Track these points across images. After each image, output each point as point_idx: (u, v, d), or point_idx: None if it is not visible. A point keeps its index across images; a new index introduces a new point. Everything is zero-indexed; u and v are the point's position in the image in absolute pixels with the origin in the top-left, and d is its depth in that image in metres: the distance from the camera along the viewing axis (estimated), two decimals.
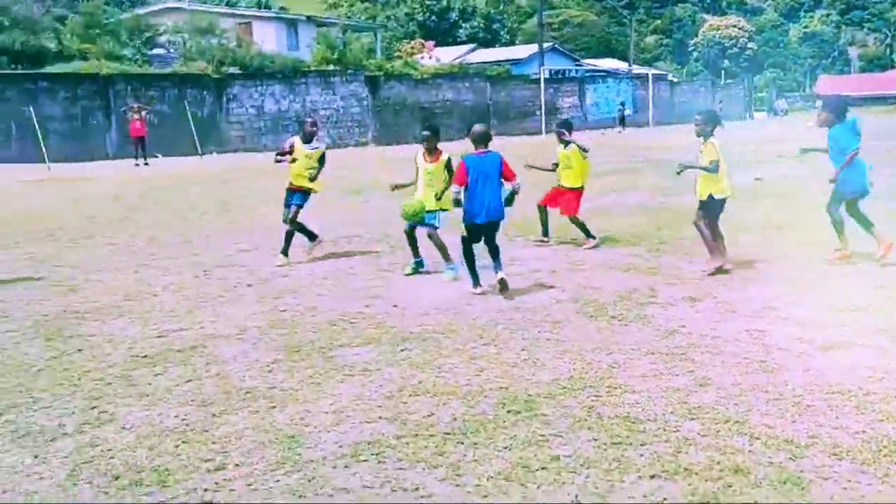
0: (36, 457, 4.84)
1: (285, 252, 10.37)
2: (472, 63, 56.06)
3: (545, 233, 11.50)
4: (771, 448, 4.63)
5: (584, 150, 11.23)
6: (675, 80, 67.75)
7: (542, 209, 11.53)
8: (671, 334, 6.94)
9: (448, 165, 9.38)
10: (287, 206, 10.59)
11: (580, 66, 66.10)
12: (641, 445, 4.72)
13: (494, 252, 8.62)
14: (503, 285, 8.41)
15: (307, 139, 10.64)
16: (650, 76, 57.92)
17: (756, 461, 4.46)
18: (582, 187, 11.37)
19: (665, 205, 15.10)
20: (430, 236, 9.38)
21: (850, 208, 9.42)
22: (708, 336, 6.85)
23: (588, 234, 11.07)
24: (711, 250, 9.24)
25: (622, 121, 49.87)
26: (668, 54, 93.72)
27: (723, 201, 9.19)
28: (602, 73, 60.83)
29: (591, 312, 7.69)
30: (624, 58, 72.27)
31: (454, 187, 8.45)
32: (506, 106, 47.99)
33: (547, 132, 45.84)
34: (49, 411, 5.57)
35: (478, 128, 8.59)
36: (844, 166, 9.20)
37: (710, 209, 9.20)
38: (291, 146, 10.59)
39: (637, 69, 66.68)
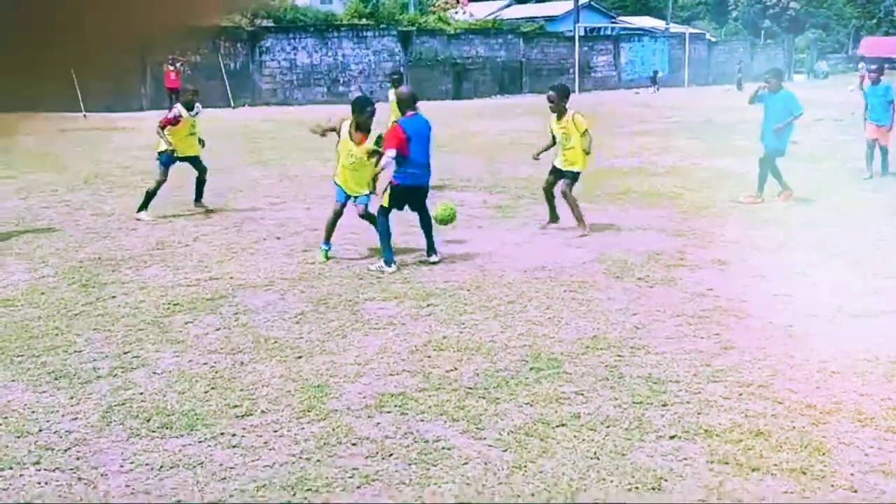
0: (72, 398, 4.99)
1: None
2: (506, 19, 55.42)
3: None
4: (793, 413, 4.66)
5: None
6: (714, 39, 66.46)
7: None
8: (698, 297, 6.95)
9: (375, 150, 8.10)
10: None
11: (616, 24, 65.11)
12: (663, 406, 4.77)
13: (428, 227, 8.21)
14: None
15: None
16: (687, 35, 56.90)
17: (778, 425, 4.49)
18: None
19: (698, 166, 14.98)
20: (361, 215, 8.31)
21: None
22: (735, 300, 6.85)
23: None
24: (581, 217, 9.43)
25: (654, 81, 49.15)
26: (707, 13, 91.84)
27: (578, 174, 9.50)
28: (638, 32, 59.89)
29: (618, 273, 7.70)
30: (662, 16, 71.06)
31: (389, 152, 7.83)
32: (539, 63, 47.45)
33: (581, 91, 45.43)
34: (84, 355, 5.72)
35: (405, 90, 8.60)
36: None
37: (574, 180, 9.49)
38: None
39: (674, 28, 65.56)
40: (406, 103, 8.30)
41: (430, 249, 8.21)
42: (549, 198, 9.65)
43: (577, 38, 48.22)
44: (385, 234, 7.97)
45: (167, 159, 10.66)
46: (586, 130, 9.29)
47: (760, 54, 66.14)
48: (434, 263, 8.09)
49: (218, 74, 32.80)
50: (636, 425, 4.51)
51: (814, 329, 6.11)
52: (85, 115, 25.29)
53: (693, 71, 53.41)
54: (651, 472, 4.01)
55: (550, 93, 9.52)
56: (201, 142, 10.96)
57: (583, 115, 9.46)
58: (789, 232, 9.18)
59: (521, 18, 55.90)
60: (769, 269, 7.82)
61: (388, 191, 8.05)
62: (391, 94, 12.53)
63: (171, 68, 29.02)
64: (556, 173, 9.53)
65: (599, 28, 61.23)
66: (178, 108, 10.81)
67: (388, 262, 7.89)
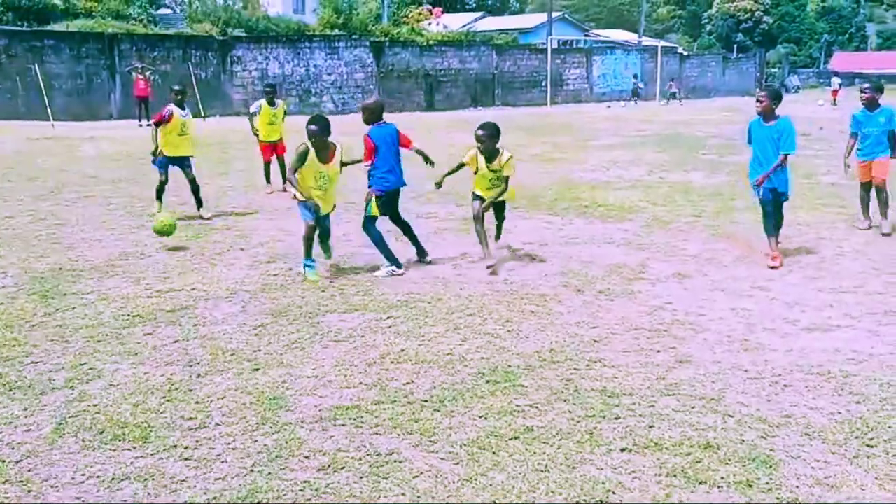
0: (25, 409, 4.97)
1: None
2: (479, 31, 55.68)
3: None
4: (743, 426, 4.73)
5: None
6: (686, 53, 67.13)
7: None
8: (656, 311, 7.02)
9: (342, 162, 8.14)
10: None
11: (589, 37, 65.61)
12: (615, 419, 4.82)
13: (409, 229, 8.67)
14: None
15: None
16: (659, 48, 57.46)
17: (727, 438, 4.56)
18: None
19: (663, 180, 15.14)
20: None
21: None
22: (693, 313, 6.93)
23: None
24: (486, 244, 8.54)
25: (636, 94, 49.62)
26: (681, 26, 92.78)
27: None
28: (610, 45, 60.38)
29: (579, 286, 7.77)
30: (635, 29, 71.72)
31: (365, 164, 8.25)
32: (512, 76, 47.73)
33: (552, 103, 45.71)
34: (40, 366, 5.69)
35: (371, 102, 8.60)
36: None
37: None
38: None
39: (647, 41, 66.20)
40: (373, 114, 8.36)
41: (421, 252, 8.64)
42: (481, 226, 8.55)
43: (549, 50, 48.56)
44: (381, 241, 8.26)
45: (160, 161, 11.02)
46: (508, 178, 8.42)
47: (732, 68, 66.93)
48: (430, 262, 8.54)
49: (188, 84, 32.64)
50: (588, 438, 4.56)
51: (769, 342, 6.20)
52: (53, 125, 25.07)
53: (664, 84, 53.88)
54: (600, 484, 4.06)
55: (480, 132, 8.29)
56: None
57: (513, 159, 8.44)
58: (750, 246, 9.30)
59: (495, 30, 56.15)
60: (728, 282, 7.92)
61: (373, 200, 8.23)
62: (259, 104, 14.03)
63: (141, 77, 28.88)
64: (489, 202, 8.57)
65: (572, 41, 61.70)
66: (171, 107, 10.98)
67: (398, 265, 8.21)
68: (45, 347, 6.07)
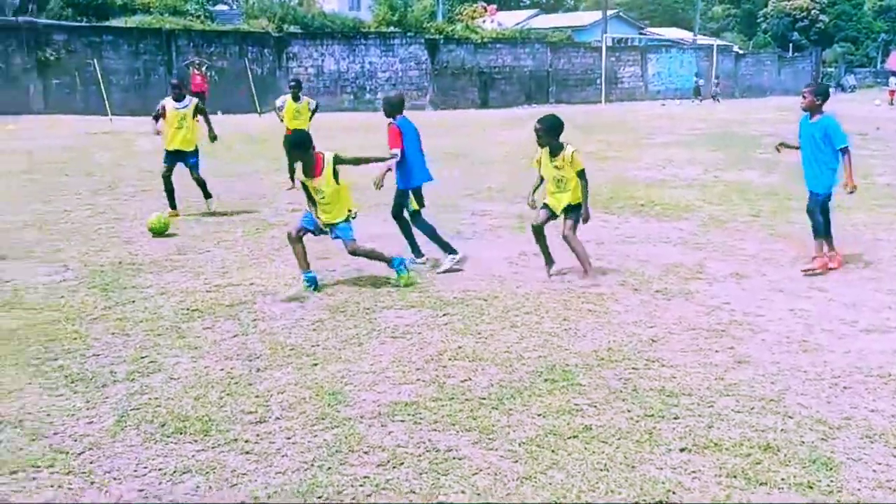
0: (88, 402, 5.05)
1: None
2: (534, 28, 55.48)
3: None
4: (803, 427, 4.64)
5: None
6: (741, 51, 66.06)
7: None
8: (714, 310, 6.92)
9: (335, 173, 7.52)
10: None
11: (643, 34, 64.97)
12: (674, 419, 4.76)
13: (408, 226, 8.49)
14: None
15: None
16: (714, 47, 56.65)
17: (787, 440, 4.48)
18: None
19: (719, 179, 14.92)
20: (353, 252, 7.74)
21: None
22: (751, 314, 6.82)
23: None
24: (588, 262, 7.91)
25: (698, 92, 49.13)
26: (736, 25, 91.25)
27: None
28: (665, 43, 59.70)
29: (636, 286, 7.69)
30: (690, 28, 70.78)
31: (393, 151, 8.04)
32: (566, 73, 47.45)
33: (607, 101, 45.36)
34: (102, 359, 5.79)
35: (393, 96, 8.54)
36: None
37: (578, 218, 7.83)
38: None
39: (702, 39, 65.29)
40: (396, 108, 8.34)
41: (416, 251, 8.55)
42: (543, 238, 8.01)
43: (604, 48, 48.19)
44: (434, 233, 8.36)
45: (164, 156, 11.31)
46: (582, 171, 7.70)
47: (788, 67, 65.73)
48: (424, 263, 8.42)
49: (244, 80, 33.05)
50: (647, 438, 4.51)
51: (827, 344, 6.08)
52: (110, 119, 25.55)
53: (721, 83, 53.08)
54: (660, 484, 4.01)
55: (537, 125, 7.81)
56: (213, 137, 11.49)
57: (579, 153, 7.84)
58: (808, 247, 9.09)
59: (549, 28, 55.89)
60: (786, 283, 7.78)
61: (410, 195, 8.29)
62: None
63: (197, 72, 29.31)
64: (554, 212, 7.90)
65: (627, 39, 61.15)
66: (165, 100, 11.34)
67: (453, 251, 8.30)
68: (106, 340, 6.18)
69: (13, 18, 30.28)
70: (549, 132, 7.73)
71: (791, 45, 76.05)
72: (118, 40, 31.63)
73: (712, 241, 9.65)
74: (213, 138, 11.49)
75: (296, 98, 14.02)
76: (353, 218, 7.74)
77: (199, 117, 11.41)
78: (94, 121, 26.09)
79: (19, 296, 7.32)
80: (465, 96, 41.42)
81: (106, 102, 28.51)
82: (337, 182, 7.50)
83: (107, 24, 32.80)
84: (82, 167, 16.29)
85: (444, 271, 8.15)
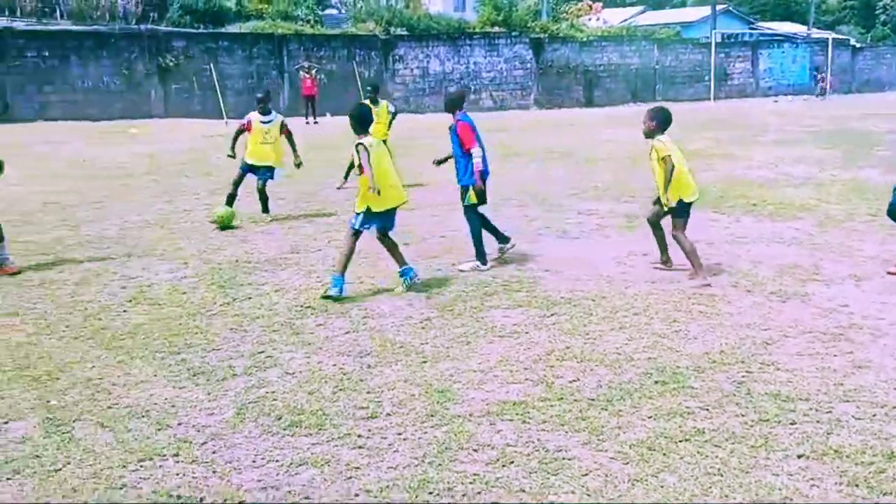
0: (209, 394, 5.27)
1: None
2: (640, 25, 54.61)
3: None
4: None
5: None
6: (858, 45, 63.35)
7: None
8: (832, 313, 6.71)
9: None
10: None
11: (754, 29, 63.10)
12: (791, 424, 4.64)
13: (479, 231, 8.38)
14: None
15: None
16: (830, 41, 54.53)
17: None
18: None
19: (836, 178, 14.39)
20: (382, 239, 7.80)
21: None
22: (871, 317, 6.58)
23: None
24: (698, 265, 7.70)
25: (823, 91, 47.63)
26: (853, 17, 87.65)
27: (690, 205, 7.78)
28: (778, 38, 57.81)
29: (749, 287, 7.51)
30: (804, 21, 68.36)
31: (475, 151, 8.10)
32: (673, 70, 46.54)
33: (716, 99, 44.30)
34: (221, 353, 6.02)
35: (456, 92, 8.62)
36: None
37: (682, 214, 7.74)
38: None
39: (816, 33, 62.99)
40: (459, 104, 8.42)
41: (505, 238, 8.64)
42: (657, 231, 8.11)
43: (713, 44, 47.05)
44: (478, 233, 8.33)
45: (242, 167, 11.27)
46: (664, 157, 7.58)
47: None
48: (509, 249, 8.64)
49: (353, 82, 33.65)
50: (762, 443, 4.41)
51: None
52: (226, 122, 26.40)
53: (835, 78, 51.16)
54: (776, 490, 3.92)
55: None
56: (298, 164, 11.42)
57: (662, 143, 7.68)
58: None
59: (656, 25, 54.91)
60: None
61: (472, 189, 8.21)
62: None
63: (307, 76, 30.01)
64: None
65: (737, 34, 59.50)
66: (251, 114, 11.41)
67: (484, 261, 8.30)
68: (224, 336, 6.42)
69: (136, 27, 31.64)
70: (649, 121, 7.77)
71: None
72: (233, 46, 32.68)
73: (829, 241, 9.33)
74: (299, 165, 11.44)
75: (374, 102, 14.00)
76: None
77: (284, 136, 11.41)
78: (210, 124, 27.00)
79: (144, 292, 7.68)
80: (569, 95, 41.13)
81: (222, 106, 29.48)
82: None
83: (223, 30, 33.94)
84: (200, 168, 16.90)
85: (464, 270, 8.22)
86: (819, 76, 50.11)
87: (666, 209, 7.75)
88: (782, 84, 51.70)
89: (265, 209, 11.38)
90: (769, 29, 64.31)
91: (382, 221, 7.62)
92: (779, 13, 78.52)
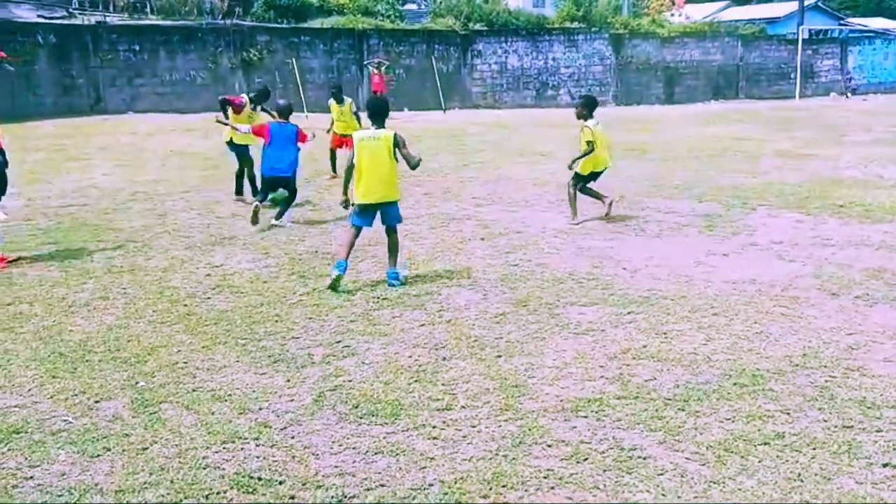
0: (288, 381, 5.38)
1: None
2: (723, 21, 53.44)
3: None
4: None
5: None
6: None
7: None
8: None
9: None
10: None
11: (844, 25, 61.18)
12: (876, 432, 4.53)
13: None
14: None
15: None
16: None
17: None
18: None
19: None
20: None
21: None
22: None
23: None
24: (574, 212, 10.43)
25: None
26: None
27: (599, 173, 10.48)
28: (869, 34, 55.93)
29: (834, 290, 7.31)
30: None
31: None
32: (758, 67, 45.44)
33: (801, 97, 43.16)
34: (300, 341, 6.15)
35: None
36: None
37: (587, 179, 10.43)
38: None
39: None
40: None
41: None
42: (589, 193, 10.58)
43: (799, 40, 45.79)
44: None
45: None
46: (588, 142, 10.12)
47: None
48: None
49: (430, 77, 33.77)
50: (845, 449, 4.31)
51: None
52: (307, 116, 26.79)
53: None
54: (859, 498, 3.84)
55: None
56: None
57: (590, 129, 10.11)
58: None
59: (740, 20, 53.66)
60: None
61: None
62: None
63: (376, 72, 30.24)
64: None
65: (825, 30, 57.80)
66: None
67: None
68: (303, 324, 6.54)
69: (222, 21, 32.33)
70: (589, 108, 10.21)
71: None
72: (314, 40, 33.10)
73: None
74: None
75: (339, 101, 14.89)
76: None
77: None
78: (293, 118, 27.41)
79: (227, 280, 7.87)
80: (649, 92, 40.50)
81: (303, 99, 29.92)
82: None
83: (305, 25, 34.43)
84: None
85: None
86: (847, 76, 48.21)
87: (574, 173, 10.23)
88: (873, 82, 50.05)
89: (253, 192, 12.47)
90: (860, 25, 62.28)
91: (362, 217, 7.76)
92: (871, 8, 75.95)
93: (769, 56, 46.18)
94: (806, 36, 47.72)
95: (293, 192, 10.69)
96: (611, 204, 10.58)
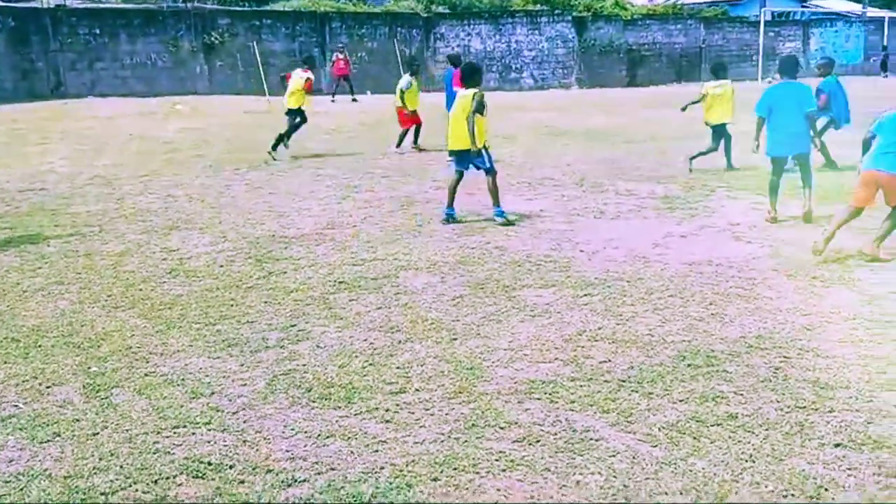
0: (242, 365, 5.32)
1: None
2: (686, 3, 53.67)
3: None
4: None
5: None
6: None
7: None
8: (878, 300, 6.53)
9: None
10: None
11: (806, 7, 61.71)
12: (829, 412, 4.55)
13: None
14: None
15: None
16: (886, 20, 53.08)
17: None
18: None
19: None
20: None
21: None
22: None
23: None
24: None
25: (885, 66, 46.58)
26: None
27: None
28: (831, 16, 56.46)
29: (791, 271, 7.35)
30: None
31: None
32: (720, 50, 45.71)
33: (763, 79, 43.48)
34: (255, 325, 6.07)
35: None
36: None
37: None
38: None
39: (872, 11, 61.41)
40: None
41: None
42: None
43: (762, 22, 46.12)
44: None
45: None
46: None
47: None
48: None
49: (393, 60, 33.57)
50: (797, 430, 4.33)
51: None
52: (268, 100, 26.50)
53: (894, 58, 49.82)
54: (810, 479, 3.84)
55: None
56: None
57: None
58: None
59: (703, 3, 53.95)
60: None
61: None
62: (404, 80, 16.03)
63: (340, 56, 30.00)
64: None
65: (788, 12, 58.27)
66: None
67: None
68: (259, 308, 6.46)
69: (183, 4, 31.88)
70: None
71: None
72: (276, 23, 32.74)
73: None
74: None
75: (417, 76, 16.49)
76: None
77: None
78: (253, 101, 27.14)
79: (183, 264, 7.76)
80: (612, 74, 40.58)
81: (264, 83, 29.60)
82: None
83: (267, 8, 34.06)
84: (243, 144, 17.00)
85: None
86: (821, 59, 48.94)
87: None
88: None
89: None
90: (822, 7, 62.82)
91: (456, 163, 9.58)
92: None
93: (731, 38, 46.50)
94: (768, 18, 48.08)
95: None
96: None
